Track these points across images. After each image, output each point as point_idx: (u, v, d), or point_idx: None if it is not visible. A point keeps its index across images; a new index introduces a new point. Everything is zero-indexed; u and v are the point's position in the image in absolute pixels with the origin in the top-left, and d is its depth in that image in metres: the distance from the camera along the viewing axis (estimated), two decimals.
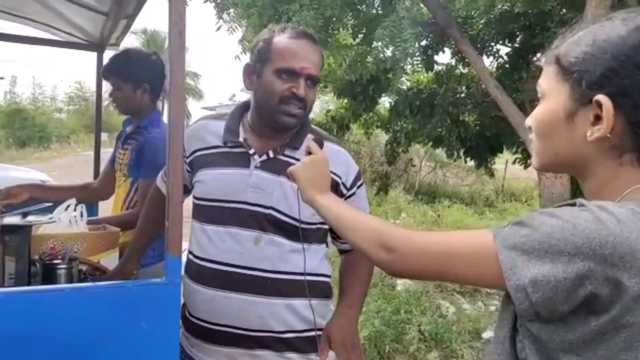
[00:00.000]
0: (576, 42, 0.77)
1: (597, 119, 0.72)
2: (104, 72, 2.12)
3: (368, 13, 4.41)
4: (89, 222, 1.84)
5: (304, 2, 3.59)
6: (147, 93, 2.10)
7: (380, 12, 4.40)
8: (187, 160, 1.51)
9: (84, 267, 1.61)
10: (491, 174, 6.32)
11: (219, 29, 3.91)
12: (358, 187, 1.46)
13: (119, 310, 0.96)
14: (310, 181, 1.09)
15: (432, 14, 3.75)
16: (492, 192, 12.36)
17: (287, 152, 1.40)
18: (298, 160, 1.37)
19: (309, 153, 1.16)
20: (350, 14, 4.37)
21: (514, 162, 5.48)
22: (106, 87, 2.21)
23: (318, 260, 1.42)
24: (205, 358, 1.39)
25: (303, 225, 1.32)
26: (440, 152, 10.76)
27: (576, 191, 3.91)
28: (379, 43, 3.57)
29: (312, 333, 1.38)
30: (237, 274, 1.35)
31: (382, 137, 9.86)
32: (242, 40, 4.74)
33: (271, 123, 1.38)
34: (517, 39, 4.50)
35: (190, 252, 1.44)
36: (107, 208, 2.27)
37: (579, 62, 0.75)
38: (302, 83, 1.33)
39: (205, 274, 1.37)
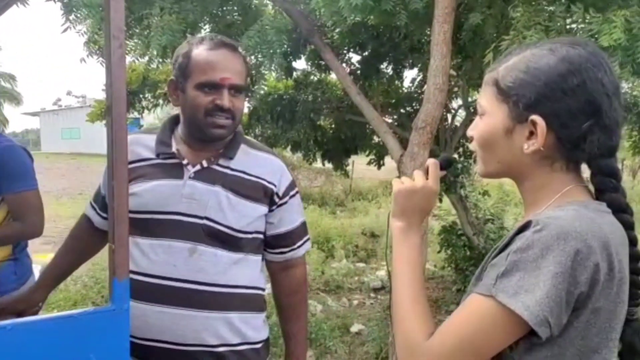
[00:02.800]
0: (512, 67, 0.91)
1: (532, 134, 0.88)
2: None
3: (224, 19, 4.39)
4: None
5: (164, 6, 3.46)
6: None
7: (237, 18, 4.41)
8: None
9: None
10: (346, 175, 6.66)
11: (65, 30, 3.58)
12: (291, 196, 1.48)
13: (66, 343, 0.87)
14: (403, 209, 1.01)
15: (294, 23, 3.85)
16: (341, 192, 13.03)
17: (221, 161, 1.42)
18: (233, 169, 1.36)
19: (427, 172, 1.02)
20: (207, 20, 4.31)
21: (368, 164, 5.84)
22: None
23: (256, 272, 1.43)
24: None
25: (240, 235, 1.33)
26: (292, 155, 11.05)
27: None
28: (246, 52, 3.57)
29: (245, 347, 1.37)
30: (171, 287, 1.31)
31: None
32: (89, 43, 4.39)
33: (201, 135, 1.37)
34: (367, 48, 4.81)
35: None
36: None
37: (516, 86, 0.89)
38: (226, 94, 1.33)
39: (137, 288, 1.30)
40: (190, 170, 1.37)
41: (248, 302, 1.39)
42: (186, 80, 1.35)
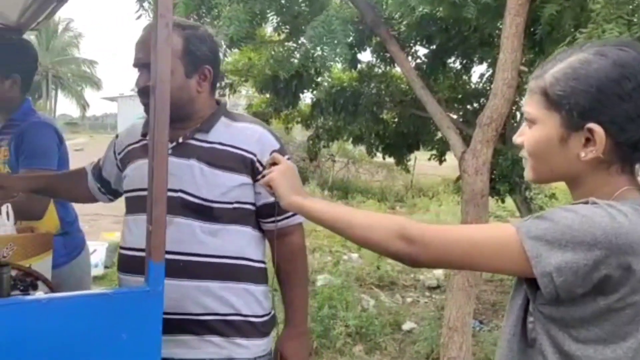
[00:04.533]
0: (560, 75, 0.89)
1: (588, 140, 0.87)
2: None
3: (292, 9, 4.39)
4: None
5: None
6: (17, 85, 1.97)
7: (305, 9, 4.40)
8: (119, 157, 1.50)
9: (13, 273, 1.47)
10: (407, 170, 6.56)
11: (139, 17, 3.70)
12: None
13: (98, 320, 0.89)
14: (289, 187, 1.10)
15: (360, 14, 3.80)
16: (402, 188, 12.87)
17: (197, 135, 1.43)
18: (209, 142, 1.40)
19: (273, 164, 1.18)
20: (274, 10, 4.33)
21: (429, 159, 5.71)
22: None
23: (241, 243, 1.44)
24: None
25: (214, 205, 1.36)
26: (353, 149, 11.01)
27: (494, 187, 4.16)
28: (306, 41, 3.56)
29: (237, 318, 1.40)
30: None
31: (298, 132, 9.92)
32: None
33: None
34: (435, 41, 4.68)
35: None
36: None
37: (567, 94, 0.87)
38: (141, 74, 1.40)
39: (123, 262, 1.43)
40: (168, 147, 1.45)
41: (233, 272, 1.39)
42: None
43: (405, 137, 5.53)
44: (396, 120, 5.58)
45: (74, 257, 2.19)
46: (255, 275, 1.46)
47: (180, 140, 1.42)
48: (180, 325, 1.35)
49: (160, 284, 0.92)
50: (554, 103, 0.89)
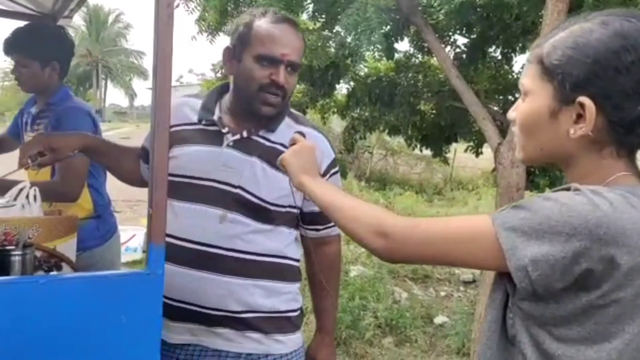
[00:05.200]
0: (558, 43, 0.82)
1: (579, 117, 0.79)
2: (6, 46, 1.99)
3: None
4: None
5: None
6: (55, 71, 2.02)
7: None
8: None
9: (38, 254, 1.51)
10: (446, 163, 6.45)
11: (177, 6, 3.74)
12: (331, 175, 1.45)
13: (97, 302, 0.90)
14: (300, 166, 1.09)
15: (396, 2, 3.73)
16: (440, 181, 12.69)
17: (261, 133, 1.40)
18: (272, 142, 1.36)
19: (293, 144, 1.17)
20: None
21: (465, 150, 5.59)
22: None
23: (284, 243, 1.42)
24: (167, 335, 1.38)
25: (271, 207, 1.33)
26: (391, 140, 10.90)
27: (532, 180, 4.04)
28: (344, 31, 3.52)
29: (275, 315, 1.39)
30: (198, 250, 1.35)
31: (337, 123, 9.88)
32: (200, 20, 4.58)
33: (248, 108, 1.37)
34: (475, 30, 4.55)
35: None
36: None
37: (562, 64, 0.80)
38: (282, 70, 1.32)
39: (170, 250, 1.37)
40: (230, 138, 1.37)
41: (276, 272, 1.38)
42: (244, 50, 1.34)
43: (442, 128, 5.42)
44: (434, 111, 5.48)
45: (106, 240, 2.25)
46: (294, 273, 1.48)
47: (245, 134, 1.38)
48: (221, 321, 1.35)
49: (160, 268, 0.92)
50: (548, 73, 0.82)
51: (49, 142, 1.43)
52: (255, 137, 1.37)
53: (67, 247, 1.57)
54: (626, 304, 0.74)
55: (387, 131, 6.13)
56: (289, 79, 1.34)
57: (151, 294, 0.94)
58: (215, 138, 1.38)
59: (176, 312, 1.35)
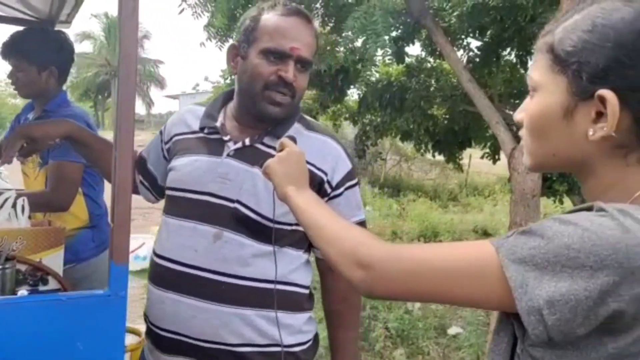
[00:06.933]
0: (572, 27, 0.68)
1: (600, 115, 0.65)
2: (3, 50, 1.95)
3: (337, 0, 4.28)
4: None
5: None
6: (53, 76, 1.96)
7: (351, 0, 4.28)
8: (165, 147, 1.37)
9: (23, 267, 1.44)
10: (460, 169, 6.31)
11: (181, 11, 3.70)
12: (347, 188, 1.28)
13: (49, 327, 0.81)
14: (286, 176, 0.97)
15: (405, 4, 3.64)
16: (455, 186, 12.51)
17: (266, 140, 1.25)
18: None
19: (281, 150, 1.05)
20: (319, 2, 4.24)
21: (482, 157, 5.46)
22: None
23: (290, 267, 1.26)
24: None
25: (273, 225, 1.18)
26: (406, 146, 10.78)
27: (550, 187, 3.91)
28: (349, 33, 3.44)
29: (277, 349, 1.23)
30: (189, 275, 1.20)
31: (349, 129, 9.80)
32: (208, 26, 4.54)
33: (254, 111, 1.23)
34: (488, 33, 4.44)
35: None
36: None
37: (578, 51, 0.66)
38: (292, 66, 1.18)
39: (158, 272, 1.24)
40: (231, 147, 1.23)
41: (279, 300, 1.21)
42: (250, 45, 1.20)
43: (455, 133, 5.32)
44: (447, 116, 5.37)
45: (101, 251, 2.18)
46: (301, 302, 1.30)
47: (247, 142, 1.24)
48: (216, 354, 1.20)
49: (123, 289, 0.83)
50: (561, 63, 0.68)
51: (29, 131, 1.33)
52: (258, 145, 1.23)
53: (54, 259, 1.50)
54: None
55: (399, 137, 6.04)
56: (299, 76, 1.20)
57: (112, 319, 0.85)
58: (216, 147, 1.25)
59: (166, 343, 1.22)
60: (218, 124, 1.27)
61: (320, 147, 1.26)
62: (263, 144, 1.24)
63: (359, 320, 1.42)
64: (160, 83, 48.30)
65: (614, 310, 0.59)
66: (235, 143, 1.24)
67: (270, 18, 1.20)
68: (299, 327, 1.27)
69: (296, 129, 1.27)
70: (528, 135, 0.74)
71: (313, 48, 1.24)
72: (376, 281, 0.72)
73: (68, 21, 2.11)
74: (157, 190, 1.44)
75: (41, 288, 1.44)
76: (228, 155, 1.23)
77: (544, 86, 0.71)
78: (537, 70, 0.72)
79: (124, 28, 0.77)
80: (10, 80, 2.01)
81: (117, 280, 0.83)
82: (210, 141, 1.27)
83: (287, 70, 1.18)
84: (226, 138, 1.25)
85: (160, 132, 1.41)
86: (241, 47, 1.24)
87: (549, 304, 0.60)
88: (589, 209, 0.65)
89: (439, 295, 0.70)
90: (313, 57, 1.26)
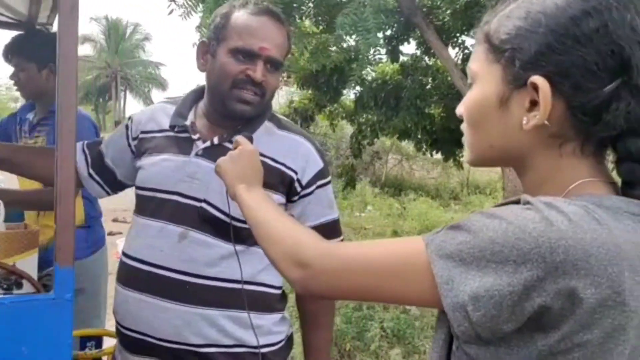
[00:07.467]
0: (508, 16, 0.65)
1: (534, 104, 0.63)
2: (5, 53, 1.95)
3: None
4: None
5: None
6: (53, 73, 1.96)
7: None
8: (133, 143, 1.35)
9: None
10: (460, 166, 6.29)
11: (171, 12, 3.70)
12: (319, 186, 1.27)
13: None
14: (237, 174, 0.95)
15: (397, 2, 3.62)
16: (457, 185, 12.47)
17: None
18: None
19: (236, 149, 1.04)
20: (311, 1, 4.23)
21: None
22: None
23: (259, 267, 1.24)
24: None
25: (235, 223, 1.16)
26: (407, 145, 10.76)
27: None
28: (341, 31, 3.43)
29: (242, 350, 1.21)
30: (154, 274, 1.19)
31: (348, 129, 9.78)
32: (200, 27, 4.53)
33: (223, 110, 1.21)
34: None
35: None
36: None
37: (511, 38, 0.64)
38: (260, 65, 1.16)
39: (125, 272, 1.23)
40: (199, 146, 1.22)
41: (247, 301, 1.18)
42: (219, 43, 1.19)
43: (453, 132, 5.29)
44: (443, 114, 5.35)
45: (93, 252, 2.19)
46: (271, 302, 1.28)
47: (216, 141, 1.22)
48: (178, 355, 1.19)
49: (69, 292, 0.82)
50: (496, 51, 0.66)
51: None
52: (227, 144, 1.21)
53: (28, 263, 1.48)
54: (593, 348, 0.58)
55: (396, 136, 6.02)
56: (268, 76, 1.18)
57: (58, 322, 0.83)
58: (185, 146, 1.24)
59: (132, 343, 1.22)
60: (188, 122, 1.25)
61: (290, 145, 1.24)
62: (232, 142, 1.22)
63: (333, 321, 1.39)
64: (162, 85, 48.46)
65: (540, 306, 0.57)
66: (204, 142, 1.23)
67: (240, 16, 1.18)
68: (268, 328, 1.25)
69: (267, 127, 1.25)
70: (467, 128, 0.72)
71: (284, 48, 1.23)
72: (312, 278, 0.71)
73: (49, 23, 2.10)
74: (115, 185, 1.41)
75: (15, 292, 1.43)
76: (196, 154, 1.22)
77: (480, 76, 0.69)
78: (475, 61, 0.70)
79: (62, 26, 0.75)
80: (12, 82, 2.03)
81: (62, 283, 0.81)
82: (179, 140, 1.25)
83: (255, 70, 1.17)
84: (195, 137, 1.23)
85: (126, 127, 1.37)
86: (211, 44, 1.22)
87: (474, 300, 0.58)
88: (517, 202, 0.63)
89: (371, 292, 0.69)
90: (284, 57, 1.24)
